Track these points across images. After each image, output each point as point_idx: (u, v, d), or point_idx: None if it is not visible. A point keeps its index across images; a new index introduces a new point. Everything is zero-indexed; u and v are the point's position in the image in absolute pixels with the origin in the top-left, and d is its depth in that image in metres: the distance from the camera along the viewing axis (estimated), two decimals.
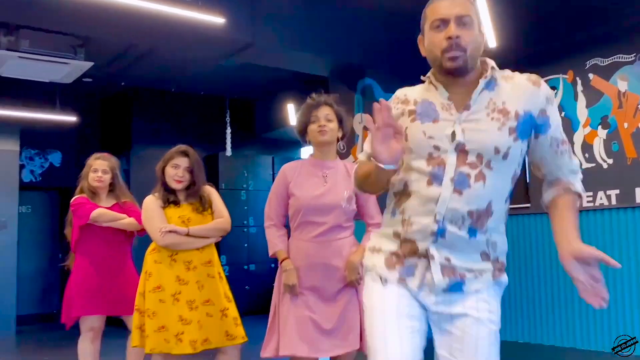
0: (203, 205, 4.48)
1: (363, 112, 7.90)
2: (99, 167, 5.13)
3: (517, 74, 2.28)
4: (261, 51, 7.39)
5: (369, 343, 2.26)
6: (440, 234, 2.13)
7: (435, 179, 2.14)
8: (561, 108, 7.30)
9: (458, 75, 2.17)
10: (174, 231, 4.29)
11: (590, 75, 6.98)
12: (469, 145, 2.12)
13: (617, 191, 6.72)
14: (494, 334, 2.16)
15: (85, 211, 4.95)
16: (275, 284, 3.71)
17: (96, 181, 5.08)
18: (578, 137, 7.18)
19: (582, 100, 7.09)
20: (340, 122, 3.69)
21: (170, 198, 4.43)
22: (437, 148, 2.14)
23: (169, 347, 4.19)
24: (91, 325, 5.04)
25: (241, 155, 11.09)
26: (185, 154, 4.44)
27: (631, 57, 6.59)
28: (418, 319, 2.22)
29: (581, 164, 7.06)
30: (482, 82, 2.16)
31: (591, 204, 6.92)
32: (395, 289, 2.23)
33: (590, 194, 6.98)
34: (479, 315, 2.13)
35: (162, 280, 4.30)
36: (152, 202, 4.39)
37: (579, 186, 2.26)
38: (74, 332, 6.16)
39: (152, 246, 4.40)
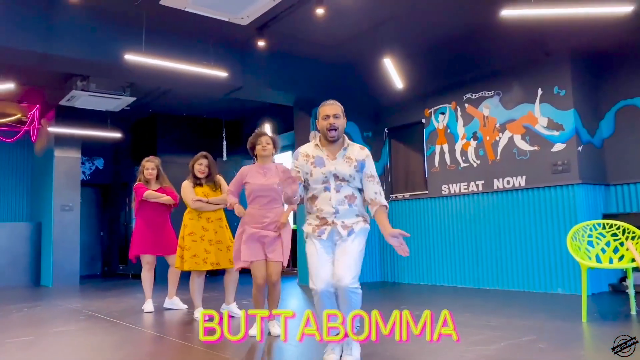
0: (216, 186, 5.27)
1: (315, 129, 8.01)
2: (149, 166, 5.84)
3: (356, 144, 3.23)
4: (248, 91, 7.90)
5: (310, 271, 3.02)
6: (336, 212, 3.05)
7: (326, 189, 3.07)
8: (447, 127, 7.72)
9: (333, 142, 3.14)
10: (200, 200, 5.09)
11: (466, 105, 7.51)
12: (339, 173, 3.08)
13: (483, 181, 7.26)
14: (358, 249, 3.03)
15: (141, 192, 5.72)
16: (238, 229, 4.22)
17: (148, 174, 5.80)
18: (458, 146, 7.59)
19: (461, 122, 7.58)
20: (274, 144, 4.27)
21: (197, 182, 5.23)
22: (326, 177, 3.07)
23: (198, 266, 5.00)
24: (147, 260, 5.77)
25: (232, 160, 11.35)
26: (206, 157, 5.25)
27: (491, 93, 7.19)
28: (329, 254, 3.04)
29: (460, 164, 7.52)
30: (341, 148, 3.14)
31: (466, 190, 7.43)
32: (318, 242, 3.05)
33: (466, 183, 7.46)
34: (353, 243, 3.03)
35: (193, 228, 5.08)
36: (187, 184, 5.17)
37: (384, 202, 3.11)
38: (114, 283, 6.73)
39: (187, 209, 5.16)
